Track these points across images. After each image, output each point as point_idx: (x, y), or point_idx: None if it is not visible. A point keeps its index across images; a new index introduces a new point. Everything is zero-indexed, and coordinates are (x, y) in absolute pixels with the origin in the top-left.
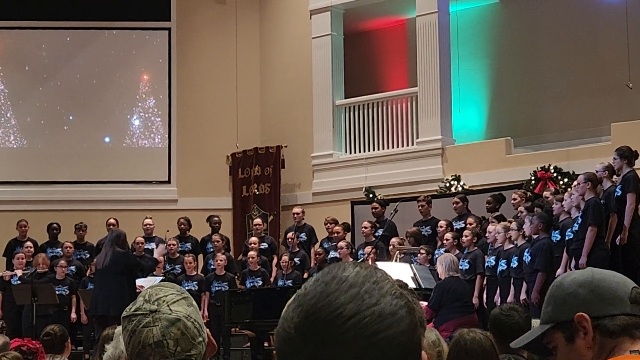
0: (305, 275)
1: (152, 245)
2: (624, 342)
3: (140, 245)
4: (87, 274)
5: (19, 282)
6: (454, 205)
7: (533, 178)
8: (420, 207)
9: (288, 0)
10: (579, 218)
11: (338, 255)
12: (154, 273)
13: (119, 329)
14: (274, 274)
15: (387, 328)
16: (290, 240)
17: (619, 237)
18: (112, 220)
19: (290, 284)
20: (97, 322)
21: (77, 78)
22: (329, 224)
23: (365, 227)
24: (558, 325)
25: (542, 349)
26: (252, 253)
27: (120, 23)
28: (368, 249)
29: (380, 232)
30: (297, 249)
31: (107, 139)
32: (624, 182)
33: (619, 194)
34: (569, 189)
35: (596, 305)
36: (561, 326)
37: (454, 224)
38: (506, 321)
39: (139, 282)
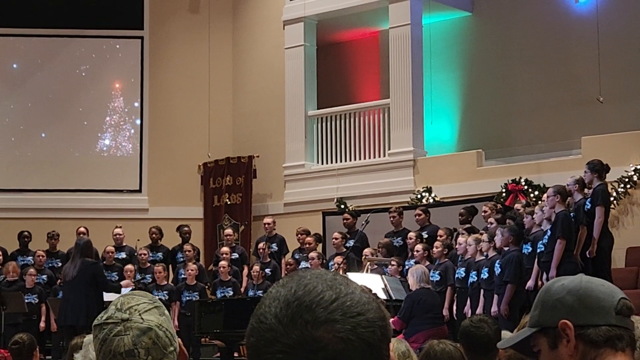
0: None
1: (123, 254)
2: (606, 353)
3: (110, 254)
4: (58, 283)
5: None
6: (416, 217)
7: (504, 190)
8: (392, 219)
9: (261, 10)
10: (549, 231)
11: (309, 266)
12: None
13: (87, 337)
14: (244, 284)
15: (366, 312)
16: (261, 250)
17: (588, 250)
18: (82, 229)
19: (261, 294)
20: (65, 332)
21: (48, 85)
22: (300, 235)
23: (336, 238)
24: (543, 330)
25: (529, 350)
26: (223, 263)
27: (93, 31)
28: (338, 259)
29: (351, 243)
30: (268, 260)
31: (77, 153)
32: (594, 196)
33: (588, 207)
34: (540, 202)
35: (581, 314)
36: (546, 331)
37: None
38: (476, 333)
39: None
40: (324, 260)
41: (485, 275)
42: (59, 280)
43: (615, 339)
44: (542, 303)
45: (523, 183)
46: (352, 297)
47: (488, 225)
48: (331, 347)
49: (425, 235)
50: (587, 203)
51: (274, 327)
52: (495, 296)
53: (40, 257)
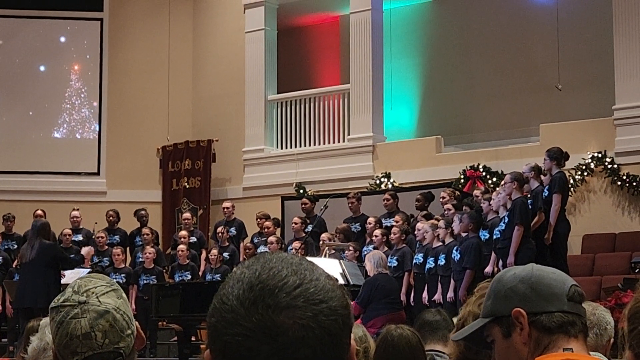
0: None
1: (79, 237)
2: (559, 339)
3: (67, 237)
4: (14, 265)
5: None
6: (385, 202)
7: (462, 177)
8: (350, 204)
9: None
10: (506, 217)
11: (268, 251)
12: (82, 265)
13: (44, 320)
14: (202, 268)
15: (329, 299)
16: (220, 234)
17: (544, 237)
18: (39, 212)
19: (219, 278)
20: (22, 315)
21: (6, 67)
22: (259, 219)
23: (296, 223)
24: (496, 320)
25: (482, 341)
26: (181, 247)
27: (53, 12)
28: (297, 244)
29: (310, 228)
30: (227, 244)
31: (35, 135)
32: (551, 183)
33: (546, 194)
34: (497, 189)
35: (534, 302)
36: (499, 320)
37: (383, 222)
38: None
39: (66, 274)
40: (283, 245)
41: (442, 261)
42: (15, 263)
43: (568, 325)
44: (495, 293)
45: (481, 169)
46: (317, 283)
47: (446, 212)
48: (291, 334)
49: (391, 223)
50: (545, 190)
51: (236, 309)
52: (453, 282)
53: None
